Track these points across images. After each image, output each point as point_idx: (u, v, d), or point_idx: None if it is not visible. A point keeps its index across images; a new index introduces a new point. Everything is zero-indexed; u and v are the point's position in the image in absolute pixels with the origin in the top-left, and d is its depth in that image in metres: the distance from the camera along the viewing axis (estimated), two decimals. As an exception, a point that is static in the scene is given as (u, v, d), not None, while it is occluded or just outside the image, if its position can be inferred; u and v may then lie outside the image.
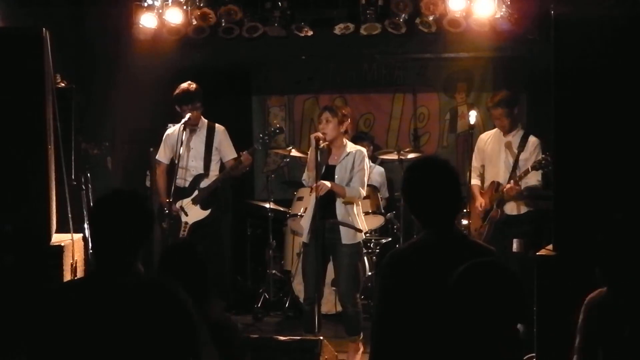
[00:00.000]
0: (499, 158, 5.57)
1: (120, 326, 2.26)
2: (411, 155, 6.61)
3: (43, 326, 2.32)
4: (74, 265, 3.99)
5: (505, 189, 5.37)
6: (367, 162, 5.26)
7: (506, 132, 5.58)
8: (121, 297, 2.31)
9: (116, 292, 2.32)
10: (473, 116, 5.38)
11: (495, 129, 5.71)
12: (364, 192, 5.24)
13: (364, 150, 5.32)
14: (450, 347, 2.43)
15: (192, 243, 3.12)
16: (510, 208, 5.48)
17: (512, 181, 5.35)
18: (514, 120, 5.59)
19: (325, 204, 5.06)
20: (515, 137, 5.55)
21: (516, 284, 2.32)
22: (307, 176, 5.22)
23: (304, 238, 5.23)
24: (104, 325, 2.27)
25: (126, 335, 2.26)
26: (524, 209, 5.49)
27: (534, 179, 5.38)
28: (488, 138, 5.70)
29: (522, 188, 5.38)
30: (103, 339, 2.26)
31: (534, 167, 5.28)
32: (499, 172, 5.55)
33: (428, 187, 2.72)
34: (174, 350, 2.29)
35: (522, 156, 5.46)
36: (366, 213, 6.43)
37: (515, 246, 5.30)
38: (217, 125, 5.80)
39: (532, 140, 5.50)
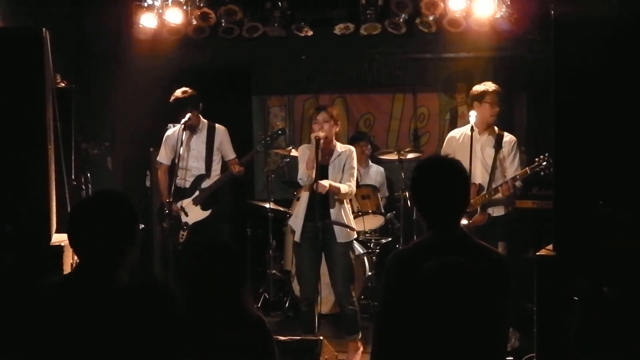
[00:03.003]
0: (475, 158, 5.34)
1: (108, 328, 2.26)
2: (411, 156, 6.62)
3: (27, 329, 2.31)
4: (74, 265, 3.99)
5: (502, 189, 5.20)
6: (355, 159, 5.26)
7: (489, 125, 5.39)
8: (110, 300, 2.30)
9: (104, 294, 2.31)
10: (473, 116, 5.28)
11: (466, 127, 5.43)
12: (354, 189, 5.25)
13: (353, 148, 5.34)
14: (454, 348, 2.43)
15: (225, 242, 3.05)
16: (492, 209, 5.36)
17: (509, 181, 5.20)
18: (497, 118, 5.44)
19: (320, 205, 5.06)
20: (490, 136, 5.40)
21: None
22: (304, 175, 5.20)
23: (297, 238, 5.22)
24: (92, 327, 2.26)
25: (115, 337, 2.25)
26: (504, 211, 5.38)
27: (519, 180, 5.25)
28: (460, 136, 5.47)
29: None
30: (91, 342, 2.25)
31: (533, 170, 5.13)
32: (476, 173, 5.36)
33: (434, 188, 2.71)
34: (161, 352, 2.29)
35: (500, 155, 5.35)
36: (366, 213, 6.45)
37: (499, 249, 5.19)
38: (217, 125, 5.80)
39: (508, 138, 5.39)
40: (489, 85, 5.42)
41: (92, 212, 2.38)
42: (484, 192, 5.32)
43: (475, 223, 5.32)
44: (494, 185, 5.29)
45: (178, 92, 5.64)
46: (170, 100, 5.65)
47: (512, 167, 5.35)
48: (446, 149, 5.52)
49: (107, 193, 2.49)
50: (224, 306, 2.65)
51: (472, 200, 5.33)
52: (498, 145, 5.37)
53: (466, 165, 5.28)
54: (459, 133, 5.52)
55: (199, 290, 2.63)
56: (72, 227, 2.39)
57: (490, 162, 5.38)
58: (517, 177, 5.24)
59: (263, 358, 2.68)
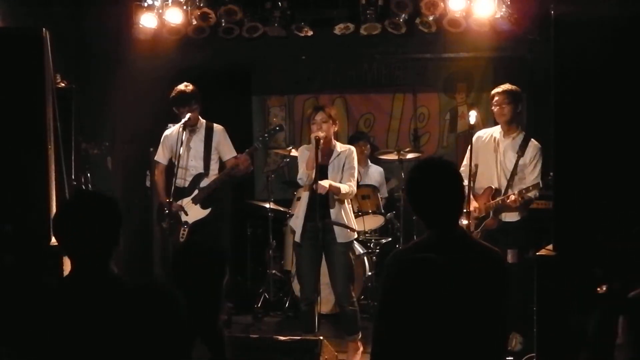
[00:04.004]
0: (494, 159, 5.39)
1: (111, 329, 2.25)
2: (411, 156, 6.62)
3: (29, 333, 2.31)
4: (70, 270, 3.99)
5: (509, 201, 5.18)
6: (355, 158, 5.27)
7: (505, 123, 5.38)
8: (112, 300, 2.29)
9: (105, 295, 2.30)
10: (473, 116, 5.26)
11: (494, 128, 5.53)
12: (355, 189, 5.25)
13: (353, 148, 5.34)
14: (453, 348, 2.43)
15: (208, 244, 3.10)
16: (504, 215, 5.33)
17: (516, 193, 5.17)
18: (516, 118, 5.42)
19: (320, 205, 5.06)
20: (515, 140, 5.37)
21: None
22: (303, 175, 5.21)
23: (297, 238, 5.22)
24: (95, 327, 2.25)
25: (115, 338, 2.25)
26: (516, 216, 5.33)
27: (533, 191, 5.21)
28: (485, 137, 5.48)
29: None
30: (91, 344, 2.25)
31: (545, 183, 5.08)
32: (493, 175, 5.38)
33: (431, 188, 2.73)
34: (164, 352, 2.29)
35: (522, 161, 5.30)
36: (366, 213, 6.45)
37: (510, 257, 5.18)
38: (215, 125, 5.81)
39: (533, 144, 5.32)
40: (499, 87, 5.42)
41: (74, 214, 2.38)
42: (498, 198, 5.29)
43: (486, 227, 5.31)
44: (510, 191, 5.26)
45: (181, 86, 5.64)
46: (174, 94, 5.63)
47: (532, 175, 5.29)
48: (469, 150, 5.45)
49: (84, 193, 2.49)
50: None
51: (484, 205, 5.33)
52: (521, 150, 5.32)
53: (487, 167, 5.38)
54: (485, 134, 5.52)
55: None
56: (58, 232, 2.39)
57: (510, 166, 5.34)
58: (531, 188, 5.18)
59: None
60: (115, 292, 2.31)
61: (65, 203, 2.54)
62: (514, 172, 5.33)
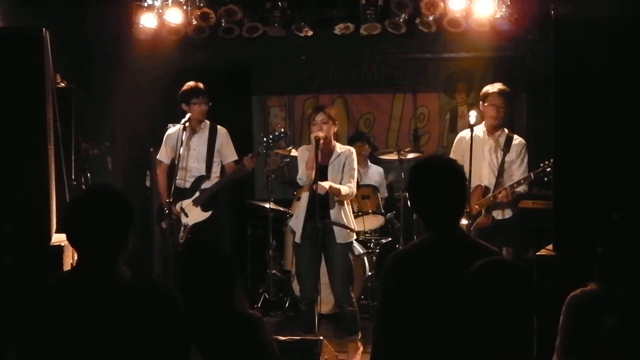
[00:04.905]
0: (482, 159, 5.36)
1: (111, 327, 2.25)
2: (411, 156, 6.61)
3: (28, 327, 2.31)
4: (74, 265, 3.99)
5: (500, 196, 5.19)
6: (355, 159, 5.27)
7: (496, 127, 5.37)
8: (112, 298, 2.29)
9: (106, 292, 2.30)
10: (473, 116, 5.26)
11: (475, 128, 5.40)
12: (355, 190, 5.25)
13: (353, 149, 5.34)
14: (455, 348, 2.42)
15: (213, 240, 3.13)
16: (497, 213, 5.32)
17: (507, 188, 5.18)
18: (506, 119, 5.43)
19: (320, 205, 5.06)
20: (499, 138, 5.37)
21: (529, 282, 2.29)
22: (303, 175, 5.21)
23: (297, 238, 5.23)
24: (91, 327, 2.25)
25: (114, 336, 2.25)
26: (508, 213, 5.33)
27: (523, 185, 5.22)
28: (469, 137, 5.35)
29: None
30: (90, 341, 2.25)
31: (537, 175, 5.10)
32: (483, 174, 5.36)
33: (432, 188, 2.69)
34: (163, 352, 2.29)
35: (508, 158, 5.31)
36: (366, 213, 6.45)
37: (505, 256, 5.17)
38: (219, 127, 5.80)
39: (517, 141, 5.35)
40: (494, 87, 5.40)
41: (87, 208, 2.37)
42: (489, 195, 5.31)
43: (479, 225, 5.30)
44: (500, 189, 5.25)
45: (191, 82, 5.62)
46: (186, 88, 5.59)
47: (519, 171, 5.30)
48: (456, 150, 5.47)
49: (100, 188, 2.48)
50: (213, 306, 2.68)
51: (476, 203, 5.32)
52: (507, 148, 5.33)
53: (474, 165, 5.35)
54: (468, 134, 5.44)
55: (189, 292, 2.65)
56: (69, 226, 2.38)
57: (497, 164, 5.35)
58: (522, 181, 5.19)
59: (257, 356, 2.71)
60: (114, 290, 2.31)
61: (78, 196, 2.53)
62: (501, 169, 5.33)
